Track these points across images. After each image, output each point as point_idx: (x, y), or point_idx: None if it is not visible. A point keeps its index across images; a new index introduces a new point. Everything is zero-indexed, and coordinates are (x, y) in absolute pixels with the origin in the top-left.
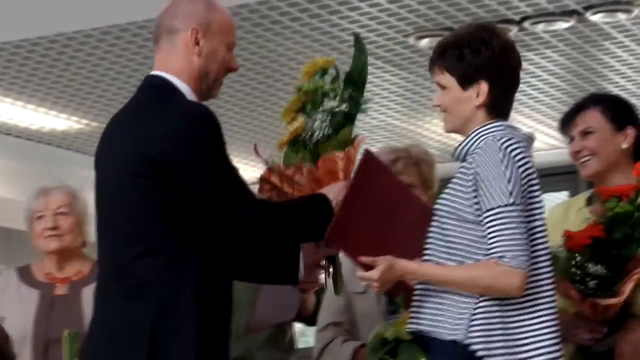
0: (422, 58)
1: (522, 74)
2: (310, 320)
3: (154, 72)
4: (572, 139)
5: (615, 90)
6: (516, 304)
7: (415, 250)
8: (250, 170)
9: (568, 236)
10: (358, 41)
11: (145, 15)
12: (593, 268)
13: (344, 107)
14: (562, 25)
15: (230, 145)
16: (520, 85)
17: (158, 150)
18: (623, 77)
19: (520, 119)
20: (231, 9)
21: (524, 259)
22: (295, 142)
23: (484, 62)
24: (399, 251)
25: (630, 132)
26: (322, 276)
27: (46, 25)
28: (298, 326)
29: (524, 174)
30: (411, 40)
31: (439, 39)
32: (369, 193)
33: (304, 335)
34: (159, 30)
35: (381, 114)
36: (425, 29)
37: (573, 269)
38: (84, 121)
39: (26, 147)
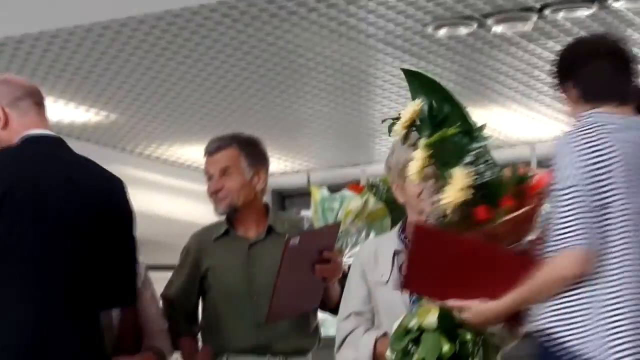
0: (440, 48)
1: (542, 63)
2: (335, 311)
3: (53, 134)
4: None
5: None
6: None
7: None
8: (275, 163)
9: None
10: (409, 75)
11: (164, 6)
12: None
13: (481, 143)
14: (583, 12)
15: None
16: (541, 74)
17: (120, 209)
18: None
19: (540, 108)
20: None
21: (576, 239)
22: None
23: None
24: (491, 294)
25: None
26: (345, 265)
27: (65, 17)
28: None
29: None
30: (429, 30)
31: (457, 27)
32: (432, 255)
33: (322, 326)
34: (42, 98)
35: (399, 103)
36: (444, 17)
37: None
38: (103, 113)
39: None
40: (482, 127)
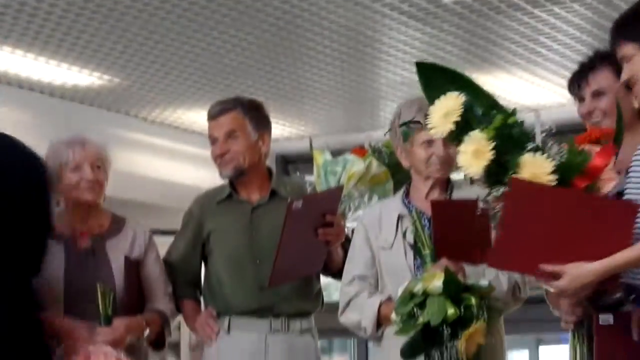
0: (446, 13)
1: (547, 29)
2: (338, 275)
3: None
4: (581, 99)
5: None
6: None
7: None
8: (279, 128)
9: None
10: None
11: None
12: None
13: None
14: None
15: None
16: (546, 41)
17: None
18: None
19: (545, 74)
20: None
21: None
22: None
23: None
24: (588, 254)
25: None
26: (347, 229)
27: None
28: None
29: None
30: None
31: None
32: (524, 216)
33: (326, 291)
34: None
35: (404, 69)
36: None
37: None
38: (106, 77)
39: (51, 104)
40: (514, 112)
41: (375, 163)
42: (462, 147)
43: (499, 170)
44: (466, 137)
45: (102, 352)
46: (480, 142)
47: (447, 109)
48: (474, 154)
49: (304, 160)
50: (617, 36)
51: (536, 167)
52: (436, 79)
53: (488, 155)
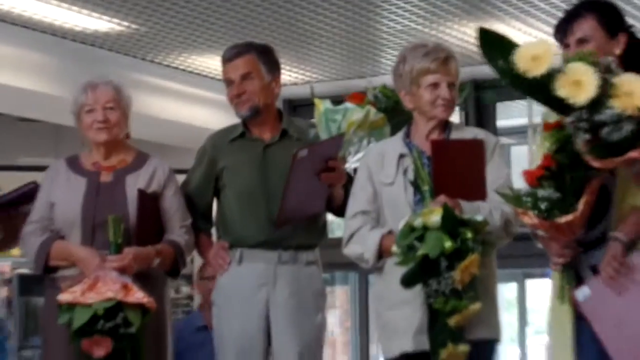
0: None
1: None
2: (340, 212)
3: None
4: (566, 46)
5: None
6: None
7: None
8: (286, 74)
9: (524, 174)
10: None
11: None
12: (541, 193)
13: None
14: None
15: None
16: None
17: None
18: None
19: (537, 24)
20: None
21: None
22: None
23: None
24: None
25: (622, 38)
26: (347, 170)
27: None
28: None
29: None
30: None
31: None
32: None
33: (329, 229)
34: None
35: (405, 18)
36: None
37: (523, 198)
38: (125, 23)
39: (72, 48)
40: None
41: (373, 110)
42: (561, 81)
43: (601, 94)
44: (565, 68)
45: (109, 278)
46: (583, 71)
47: (535, 52)
48: (575, 84)
49: (310, 105)
50: None
51: (632, 84)
52: (496, 43)
53: (593, 80)
